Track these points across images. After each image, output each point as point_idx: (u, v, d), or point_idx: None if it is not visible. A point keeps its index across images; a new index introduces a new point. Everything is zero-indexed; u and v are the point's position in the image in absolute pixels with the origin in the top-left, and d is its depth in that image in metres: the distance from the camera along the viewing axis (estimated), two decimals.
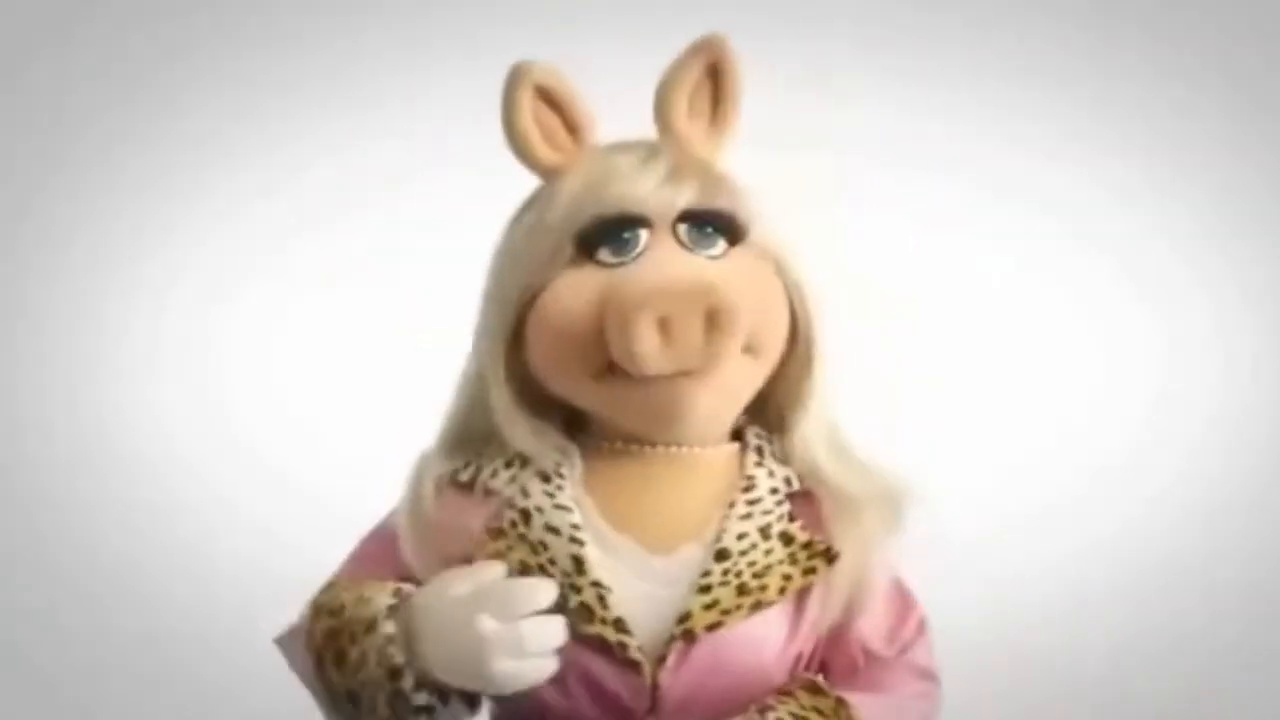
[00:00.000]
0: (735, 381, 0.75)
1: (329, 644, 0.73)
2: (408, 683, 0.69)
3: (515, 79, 0.76)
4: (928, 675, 0.81)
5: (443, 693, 0.70)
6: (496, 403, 0.77)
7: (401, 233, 1.55)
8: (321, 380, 1.55)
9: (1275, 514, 1.56)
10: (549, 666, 0.70)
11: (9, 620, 1.44)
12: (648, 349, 0.69)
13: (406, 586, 0.75)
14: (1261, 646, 1.46)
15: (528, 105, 0.76)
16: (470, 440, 0.80)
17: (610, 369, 0.73)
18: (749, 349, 0.74)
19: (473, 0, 1.54)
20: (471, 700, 0.72)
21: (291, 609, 0.79)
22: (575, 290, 0.73)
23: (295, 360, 1.56)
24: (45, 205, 1.61)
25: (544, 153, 0.77)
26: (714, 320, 0.69)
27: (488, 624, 0.67)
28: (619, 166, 0.75)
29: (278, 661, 0.80)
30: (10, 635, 1.42)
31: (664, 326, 0.69)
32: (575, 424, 0.80)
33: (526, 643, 0.68)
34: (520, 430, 0.77)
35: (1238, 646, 1.46)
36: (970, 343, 1.53)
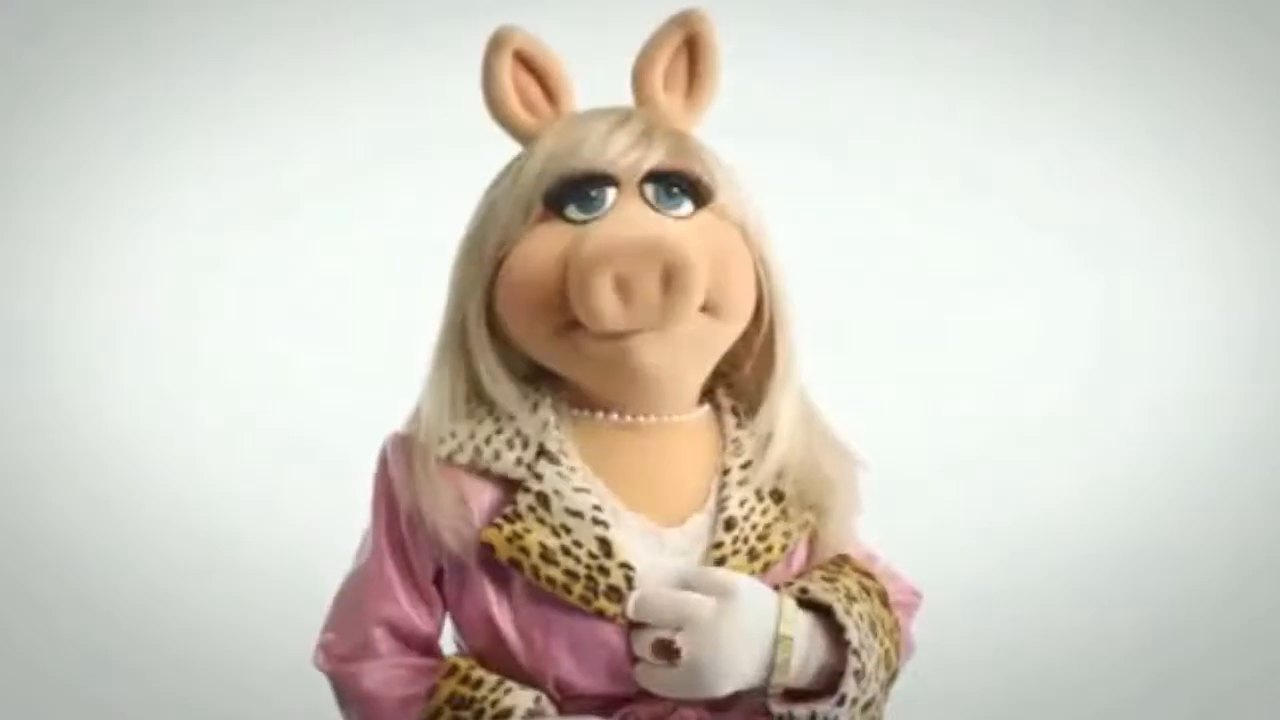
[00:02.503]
0: (692, 337, 0.74)
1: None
2: None
3: (495, 45, 0.76)
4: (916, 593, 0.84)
5: None
6: (480, 360, 0.76)
7: (395, 229, 1.56)
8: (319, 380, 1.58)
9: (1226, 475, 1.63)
10: None
11: (9, 620, 1.46)
12: (606, 307, 0.69)
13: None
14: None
15: (507, 70, 0.77)
16: (456, 409, 0.77)
17: (571, 325, 0.72)
18: (708, 308, 0.73)
19: None
20: None
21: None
22: (542, 246, 0.73)
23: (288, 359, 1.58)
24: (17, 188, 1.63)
25: (522, 118, 0.78)
26: (671, 277, 0.69)
27: None
28: (592, 128, 0.75)
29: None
30: (11, 635, 1.44)
31: (621, 285, 0.69)
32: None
33: None
34: (504, 389, 0.76)
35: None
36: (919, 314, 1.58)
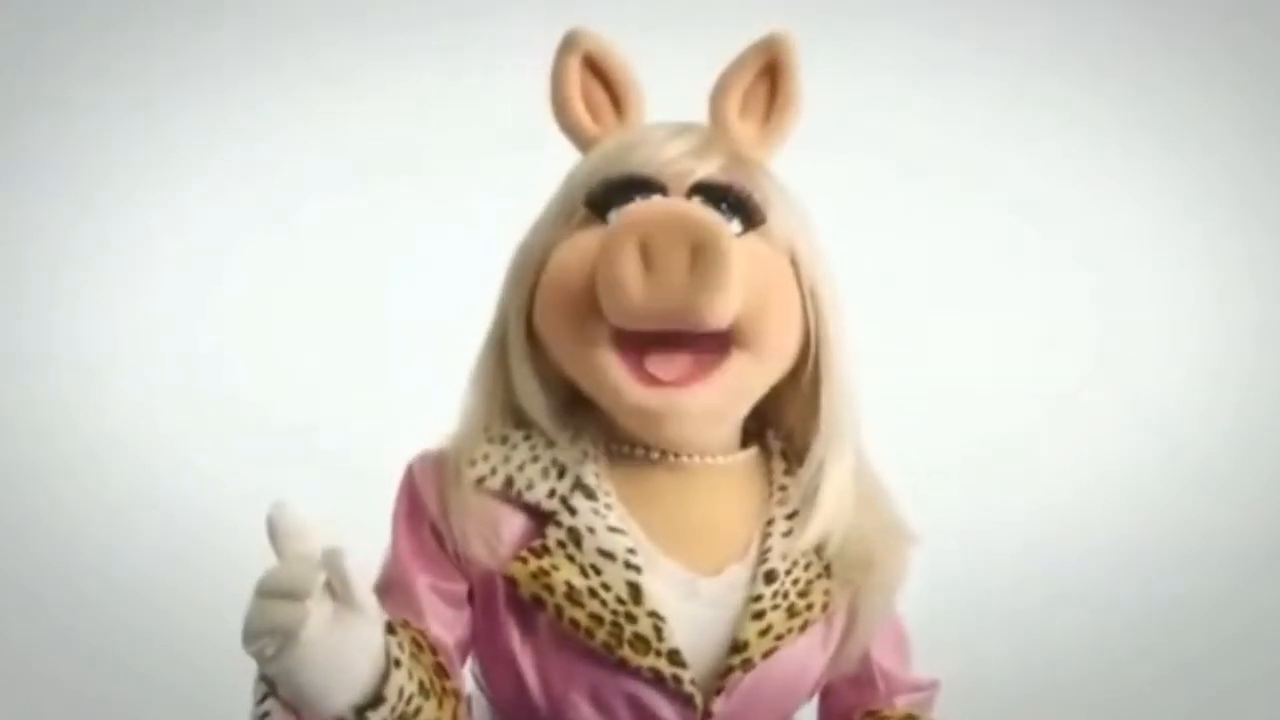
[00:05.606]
0: (729, 388, 0.69)
1: None
2: None
3: (565, 47, 0.74)
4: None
5: None
6: (518, 376, 0.72)
7: (401, 226, 1.55)
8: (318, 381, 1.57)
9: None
10: None
11: (9, 620, 1.45)
12: (628, 274, 0.64)
13: None
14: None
15: (575, 74, 0.74)
16: (491, 431, 0.73)
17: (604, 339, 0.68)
18: (743, 343, 0.68)
19: None
20: None
21: None
22: (578, 248, 0.69)
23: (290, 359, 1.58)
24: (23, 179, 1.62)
25: (585, 124, 0.74)
26: (698, 255, 0.64)
27: None
28: (649, 135, 0.72)
29: None
30: (10, 635, 1.43)
31: (646, 253, 0.65)
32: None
33: None
34: (540, 408, 0.72)
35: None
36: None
